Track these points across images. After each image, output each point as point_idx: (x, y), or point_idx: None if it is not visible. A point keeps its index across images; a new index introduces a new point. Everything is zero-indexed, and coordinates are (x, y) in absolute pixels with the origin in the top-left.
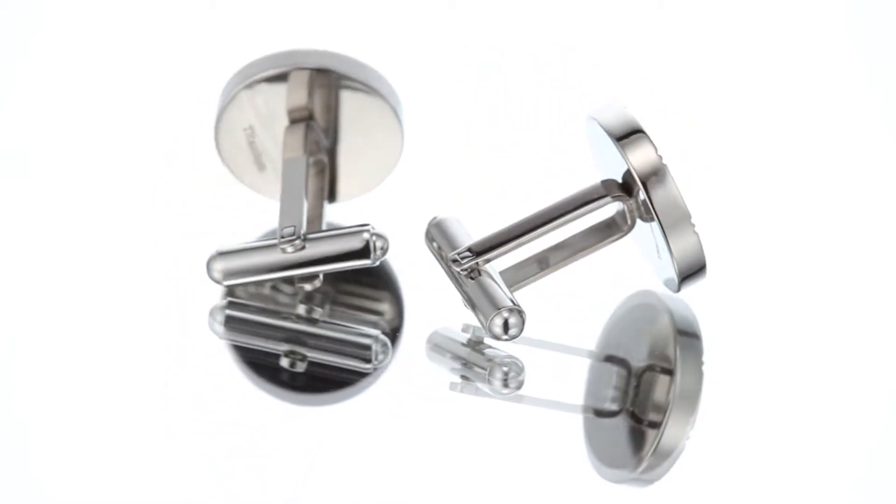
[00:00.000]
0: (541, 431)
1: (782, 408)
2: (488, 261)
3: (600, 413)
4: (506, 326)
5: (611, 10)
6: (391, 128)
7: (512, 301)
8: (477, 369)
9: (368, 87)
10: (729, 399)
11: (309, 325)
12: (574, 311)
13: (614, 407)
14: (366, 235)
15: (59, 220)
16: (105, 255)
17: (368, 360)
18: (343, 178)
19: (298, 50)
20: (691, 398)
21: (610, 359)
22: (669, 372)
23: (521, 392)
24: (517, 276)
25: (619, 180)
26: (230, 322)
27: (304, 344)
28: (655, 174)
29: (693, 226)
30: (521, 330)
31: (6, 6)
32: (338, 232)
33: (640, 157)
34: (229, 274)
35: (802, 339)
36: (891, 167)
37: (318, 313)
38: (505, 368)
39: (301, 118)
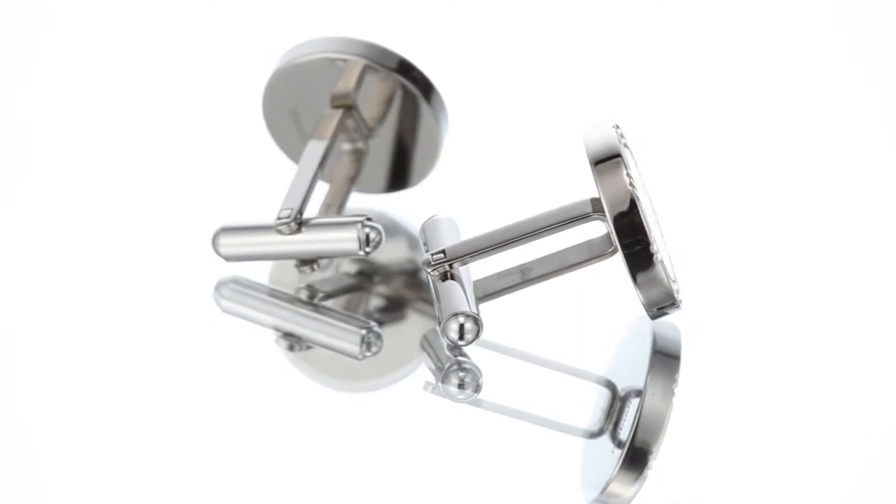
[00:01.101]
0: (517, 443)
1: (766, 436)
2: (465, 264)
3: (574, 430)
4: (461, 331)
5: (611, 10)
6: (432, 137)
7: (470, 307)
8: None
9: (415, 88)
10: (705, 425)
11: (307, 309)
12: (560, 325)
13: (589, 425)
14: (358, 226)
15: (62, 221)
16: (109, 252)
17: (359, 350)
18: (379, 170)
19: (354, 39)
20: (656, 426)
21: (590, 377)
22: (639, 395)
23: (482, 398)
24: (497, 285)
25: None
26: (233, 297)
27: (300, 327)
28: (619, 202)
29: (653, 255)
30: (476, 336)
31: (6, 6)
32: (334, 220)
33: (608, 183)
34: (230, 249)
35: (803, 358)
36: (891, 171)
37: (318, 298)
38: (461, 374)
39: (342, 105)
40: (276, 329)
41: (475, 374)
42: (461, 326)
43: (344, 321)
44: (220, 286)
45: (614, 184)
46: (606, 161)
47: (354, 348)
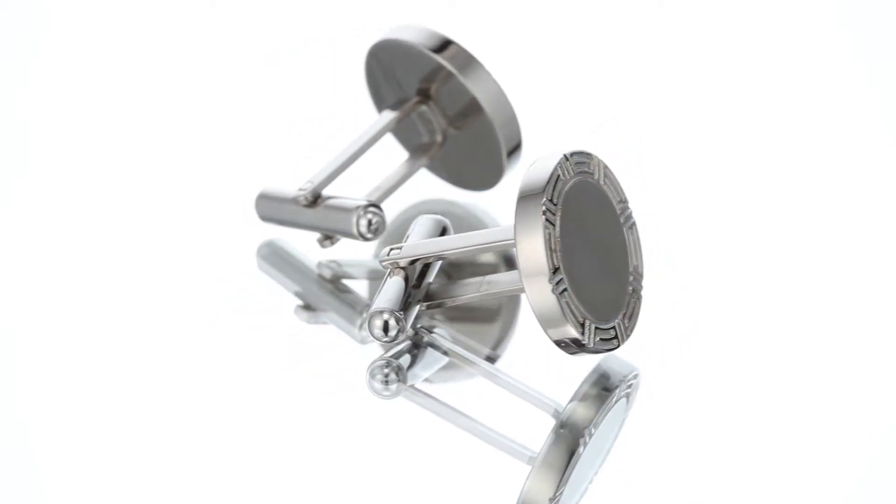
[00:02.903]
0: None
1: (761, 439)
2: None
3: (510, 450)
4: (385, 328)
5: (610, 9)
6: (495, 168)
7: (396, 306)
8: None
9: (491, 118)
10: (703, 427)
11: (327, 284)
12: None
13: (530, 449)
14: (359, 211)
15: (74, 217)
16: (122, 246)
17: (357, 332)
18: (449, 165)
19: (450, 40)
20: (555, 470)
21: (535, 400)
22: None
23: (415, 392)
24: (454, 291)
25: None
26: (269, 258)
27: (315, 301)
28: (525, 234)
29: (549, 287)
30: (398, 334)
31: (6, 6)
32: (343, 201)
33: (520, 217)
34: (263, 210)
35: (803, 360)
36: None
37: (337, 274)
38: (386, 370)
39: (420, 95)
40: (297, 297)
41: (398, 369)
42: (385, 324)
43: (350, 302)
44: (261, 246)
45: (524, 217)
46: (523, 198)
47: (354, 330)
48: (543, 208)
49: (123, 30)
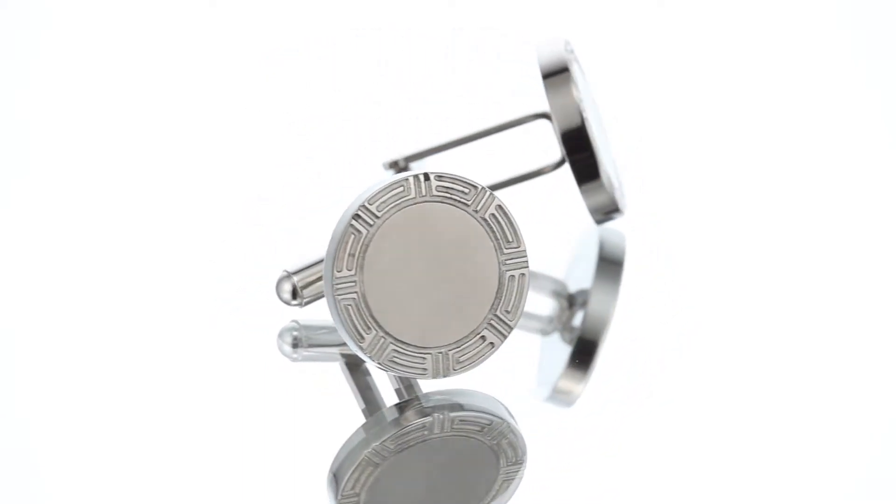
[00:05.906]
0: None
1: (762, 438)
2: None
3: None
4: (292, 293)
5: (610, 9)
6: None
7: (297, 271)
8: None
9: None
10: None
11: None
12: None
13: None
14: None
15: (81, 216)
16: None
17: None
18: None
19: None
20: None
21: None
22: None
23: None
24: None
25: None
26: None
27: None
28: (332, 236)
29: (332, 290)
30: (285, 298)
31: (6, 6)
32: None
33: (340, 217)
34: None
35: (803, 359)
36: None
37: None
38: (295, 333)
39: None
40: None
41: (306, 336)
42: (292, 288)
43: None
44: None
45: (341, 218)
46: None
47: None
48: (357, 212)
49: (124, 30)
